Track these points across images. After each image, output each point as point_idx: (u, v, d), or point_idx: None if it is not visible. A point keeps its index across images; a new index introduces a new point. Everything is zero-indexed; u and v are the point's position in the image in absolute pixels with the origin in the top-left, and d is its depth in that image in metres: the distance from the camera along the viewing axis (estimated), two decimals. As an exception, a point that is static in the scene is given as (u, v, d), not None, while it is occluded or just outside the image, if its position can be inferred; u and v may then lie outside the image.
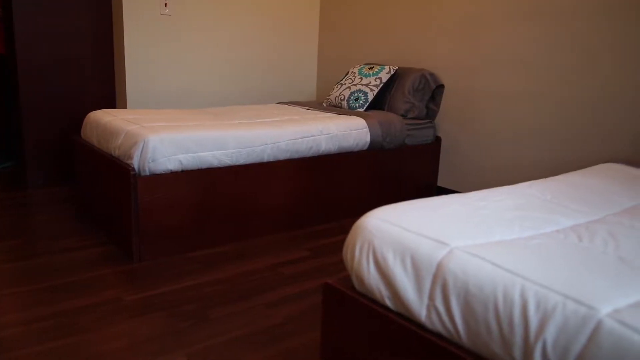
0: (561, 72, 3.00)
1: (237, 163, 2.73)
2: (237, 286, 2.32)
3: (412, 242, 1.26)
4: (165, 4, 3.74)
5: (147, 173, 2.46)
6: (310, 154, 3.02)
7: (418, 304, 1.22)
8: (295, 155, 2.96)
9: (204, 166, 2.63)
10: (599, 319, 0.93)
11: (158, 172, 2.48)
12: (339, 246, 2.82)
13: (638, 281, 1.06)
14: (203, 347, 1.84)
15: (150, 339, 1.87)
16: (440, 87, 3.68)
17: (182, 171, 2.56)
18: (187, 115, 3.09)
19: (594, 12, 2.83)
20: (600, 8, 2.80)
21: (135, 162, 2.44)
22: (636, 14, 2.67)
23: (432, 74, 3.65)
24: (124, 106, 3.75)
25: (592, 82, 2.87)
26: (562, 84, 3.00)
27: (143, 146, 2.43)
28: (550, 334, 0.97)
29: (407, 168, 3.57)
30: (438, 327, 1.18)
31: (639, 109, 2.71)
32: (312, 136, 3.00)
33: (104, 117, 2.88)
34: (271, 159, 2.86)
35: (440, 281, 1.17)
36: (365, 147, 3.28)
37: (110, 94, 3.90)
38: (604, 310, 0.94)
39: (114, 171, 2.59)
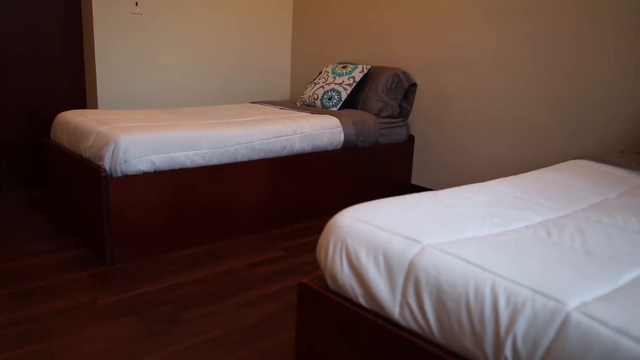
0: (531, 71, 3.05)
1: (211, 163, 2.72)
2: (212, 287, 2.31)
3: (384, 240, 1.27)
4: (136, 3, 3.70)
5: (119, 174, 2.43)
6: (284, 153, 3.02)
7: (391, 302, 1.23)
8: (269, 155, 2.96)
9: (177, 167, 2.61)
10: (567, 313, 0.95)
11: (130, 173, 2.46)
12: (313, 245, 2.82)
13: (604, 275, 1.08)
14: (178, 348, 1.82)
15: (125, 342, 1.85)
16: (413, 85, 3.71)
17: (155, 172, 2.53)
18: (159, 115, 3.06)
19: (562, 11, 2.88)
20: (569, 7, 2.85)
21: (106, 164, 2.40)
22: (602, 14, 2.73)
23: (405, 73, 3.67)
24: (95, 107, 3.70)
25: (561, 81, 2.93)
26: (532, 82, 3.05)
27: (114, 147, 2.40)
28: (520, 328, 0.99)
29: (381, 167, 3.59)
30: (411, 324, 1.19)
31: (606, 107, 2.77)
32: (285, 136, 2.99)
33: (74, 117, 2.84)
34: (245, 159, 2.85)
35: (412, 278, 1.18)
36: (339, 146, 3.29)
37: (81, 95, 3.85)
38: (572, 303, 0.96)
39: (85, 173, 2.55)
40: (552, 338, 0.95)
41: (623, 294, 1.00)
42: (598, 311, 0.93)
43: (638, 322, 0.89)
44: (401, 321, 1.21)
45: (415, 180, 3.82)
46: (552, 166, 2.24)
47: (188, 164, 2.64)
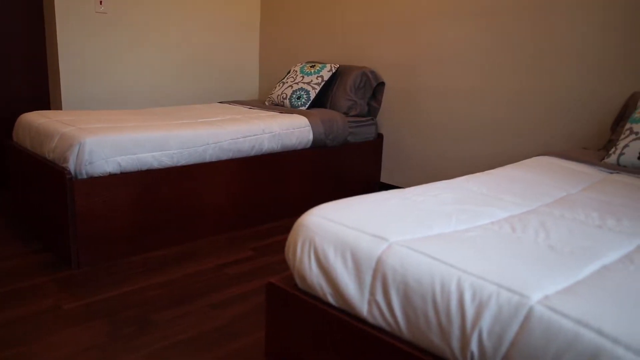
0: (497, 70, 3.09)
1: (179, 164, 2.69)
2: (182, 288, 2.29)
3: (352, 238, 1.28)
4: (100, 2, 3.64)
5: (84, 176, 2.38)
6: (253, 153, 3.01)
7: (359, 300, 1.23)
8: (238, 155, 2.94)
9: (144, 168, 2.57)
10: (530, 306, 0.96)
11: (96, 175, 2.41)
12: (283, 245, 2.82)
13: (566, 268, 1.11)
14: (148, 352, 1.80)
15: (93, 347, 1.82)
16: (381, 84, 3.73)
17: (122, 173, 2.50)
18: (126, 116, 3.01)
19: (527, 11, 2.93)
20: (535, 7, 2.90)
21: (71, 166, 2.36)
22: (566, 14, 2.78)
23: (373, 72, 3.69)
24: (59, 107, 3.63)
25: (527, 80, 2.98)
26: (498, 80, 3.10)
27: (79, 148, 2.35)
28: (485, 322, 1.01)
29: (350, 165, 3.61)
30: (379, 321, 1.20)
31: (570, 105, 2.83)
32: (254, 135, 2.98)
33: (37, 119, 2.78)
34: (213, 159, 2.83)
35: (380, 276, 1.19)
36: (308, 146, 3.29)
37: (44, 95, 3.77)
38: (535, 297, 0.98)
39: (48, 175, 2.50)
40: (516, 332, 0.96)
41: (584, 287, 1.03)
42: (560, 304, 0.95)
43: (598, 313, 0.91)
44: (369, 319, 1.22)
45: (384, 179, 3.85)
46: (517, 163, 2.28)
47: (155, 164, 2.60)
